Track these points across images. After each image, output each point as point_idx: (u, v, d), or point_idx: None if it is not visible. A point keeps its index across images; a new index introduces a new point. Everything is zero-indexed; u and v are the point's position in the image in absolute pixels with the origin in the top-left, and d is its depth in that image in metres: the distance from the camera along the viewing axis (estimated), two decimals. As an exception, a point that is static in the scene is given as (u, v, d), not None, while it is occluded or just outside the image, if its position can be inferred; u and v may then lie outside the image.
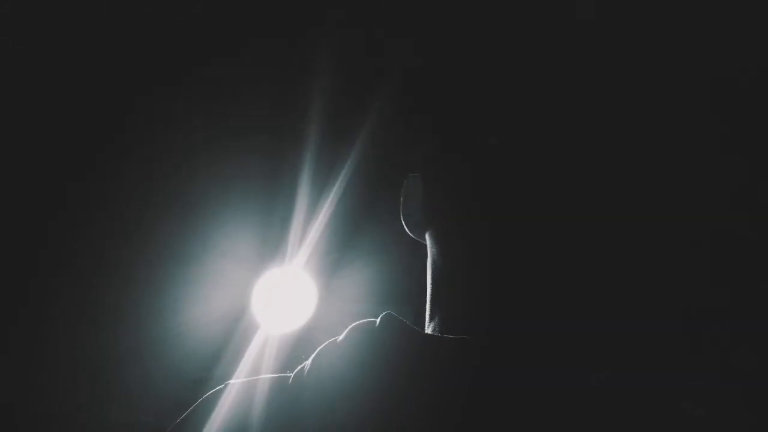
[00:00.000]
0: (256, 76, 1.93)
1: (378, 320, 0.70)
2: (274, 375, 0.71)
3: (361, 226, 2.11)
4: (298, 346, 2.16)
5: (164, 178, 2.07)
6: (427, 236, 0.77)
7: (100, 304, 2.14)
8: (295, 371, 0.70)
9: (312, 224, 2.06)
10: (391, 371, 0.65)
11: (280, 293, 2.17)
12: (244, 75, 1.93)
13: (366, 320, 0.71)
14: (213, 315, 2.14)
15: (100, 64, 1.91)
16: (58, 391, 2.13)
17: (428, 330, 0.74)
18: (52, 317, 2.15)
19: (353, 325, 0.71)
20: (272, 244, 2.12)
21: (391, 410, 0.64)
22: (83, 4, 1.80)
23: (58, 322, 2.15)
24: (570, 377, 0.64)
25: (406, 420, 0.63)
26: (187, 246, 2.11)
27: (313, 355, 0.70)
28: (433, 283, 0.75)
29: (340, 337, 0.70)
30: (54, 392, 2.13)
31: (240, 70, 1.92)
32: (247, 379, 0.72)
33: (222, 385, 0.72)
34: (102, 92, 1.96)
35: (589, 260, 0.70)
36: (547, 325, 0.68)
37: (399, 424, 0.63)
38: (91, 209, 2.11)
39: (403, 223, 0.79)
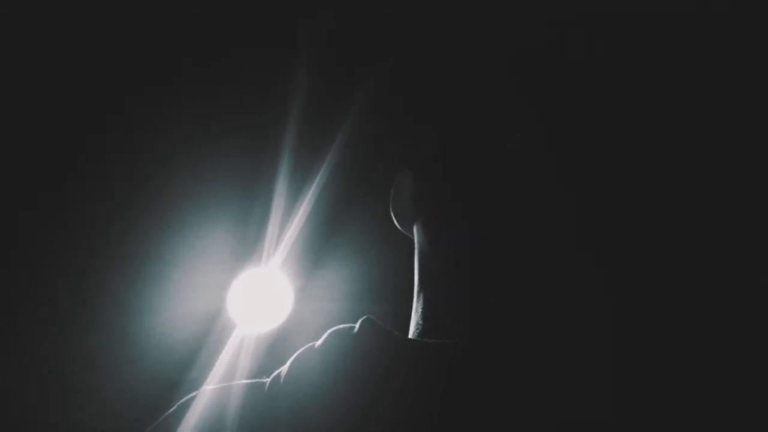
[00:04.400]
0: (233, 75, 1.92)
1: (357, 325, 0.68)
2: (250, 381, 0.69)
3: (339, 226, 2.10)
4: (275, 346, 2.14)
5: (140, 178, 2.05)
6: (414, 231, 0.76)
7: (74, 305, 2.11)
8: (272, 377, 0.68)
9: (289, 224, 2.04)
10: (368, 378, 0.64)
11: (256, 293, 2.15)
12: (221, 73, 1.91)
13: (344, 325, 0.69)
14: (188, 316, 2.12)
15: (79, 63, 1.89)
16: (29, 394, 2.10)
17: (411, 333, 0.72)
18: (23, 319, 2.12)
19: (331, 330, 0.69)
20: (249, 244, 2.11)
21: (367, 418, 0.62)
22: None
23: (28, 323, 2.12)
24: (553, 379, 0.63)
25: (383, 426, 0.62)
26: (162, 247, 2.09)
27: (289, 361, 0.68)
28: (417, 283, 0.74)
29: (318, 343, 0.68)
30: (25, 396, 2.10)
31: (216, 69, 1.91)
32: (222, 385, 0.70)
33: (196, 392, 0.70)
34: (79, 93, 1.94)
35: (580, 270, 0.68)
36: (531, 329, 0.66)
37: (376, 430, 0.62)
38: (64, 209, 2.08)
39: (392, 216, 0.78)
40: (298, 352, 0.69)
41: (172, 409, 0.69)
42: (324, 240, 2.12)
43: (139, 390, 2.07)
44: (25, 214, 2.07)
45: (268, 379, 0.67)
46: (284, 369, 0.68)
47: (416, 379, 0.63)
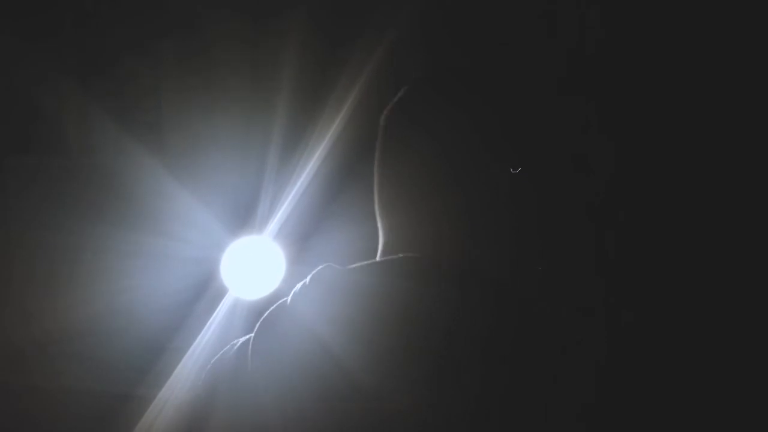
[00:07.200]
0: (230, 28, 1.89)
1: (308, 277, 0.78)
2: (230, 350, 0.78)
3: (334, 195, 2.11)
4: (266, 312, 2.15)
5: (133, 144, 2.04)
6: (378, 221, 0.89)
7: (66, 271, 2.12)
8: (251, 344, 0.75)
9: (284, 191, 2.05)
10: (321, 320, 0.72)
11: (250, 260, 2.16)
12: (218, 26, 1.89)
13: (301, 282, 0.78)
14: (181, 283, 2.13)
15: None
16: (27, 362, 2.12)
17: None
18: (14, 285, 2.12)
19: (293, 290, 0.79)
20: (244, 210, 2.11)
21: (327, 356, 0.71)
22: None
23: (21, 289, 2.12)
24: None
25: (344, 357, 0.70)
26: (156, 213, 2.09)
27: (260, 321, 0.77)
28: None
29: (287, 300, 0.78)
30: (22, 363, 2.11)
31: (213, 22, 1.88)
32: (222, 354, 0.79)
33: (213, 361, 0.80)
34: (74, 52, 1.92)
35: None
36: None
37: (336, 364, 0.70)
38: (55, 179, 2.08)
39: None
40: (268, 311, 0.78)
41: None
42: (321, 208, 2.12)
43: (133, 354, 2.09)
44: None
45: (249, 351, 0.75)
46: (251, 336, 0.76)
47: (372, 302, 0.73)
